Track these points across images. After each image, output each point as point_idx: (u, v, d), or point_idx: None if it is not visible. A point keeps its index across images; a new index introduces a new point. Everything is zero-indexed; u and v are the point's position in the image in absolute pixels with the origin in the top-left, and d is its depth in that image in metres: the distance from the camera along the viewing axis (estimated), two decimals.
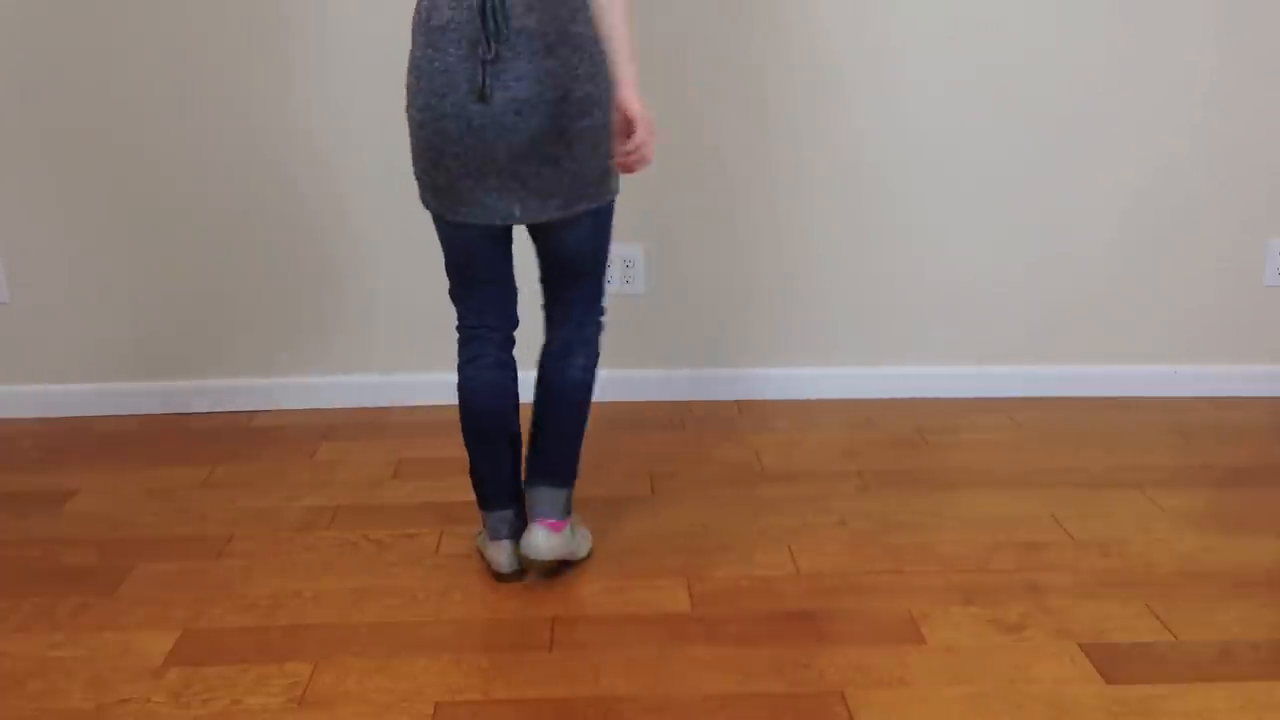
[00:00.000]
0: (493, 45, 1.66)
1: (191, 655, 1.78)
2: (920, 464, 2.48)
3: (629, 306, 2.78)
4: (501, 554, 1.97)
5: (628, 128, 1.83)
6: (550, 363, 1.95)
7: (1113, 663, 1.74)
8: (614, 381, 2.81)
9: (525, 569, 1.99)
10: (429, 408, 2.81)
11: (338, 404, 2.83)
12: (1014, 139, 2.70)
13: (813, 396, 2.87)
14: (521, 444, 1.99)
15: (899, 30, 2.62)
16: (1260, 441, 2.60)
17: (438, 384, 2.82)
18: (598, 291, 1.96)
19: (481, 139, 1.70)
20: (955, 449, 2.56)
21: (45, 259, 2.69)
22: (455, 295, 1.94)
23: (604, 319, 1.99)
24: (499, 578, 2.00)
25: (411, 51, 1.76)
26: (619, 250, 2.71)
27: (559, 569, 2.01)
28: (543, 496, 1.95)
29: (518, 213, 1.78)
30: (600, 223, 1.87)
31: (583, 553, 2.06)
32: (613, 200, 1.88)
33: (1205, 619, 1.86)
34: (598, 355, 1.98)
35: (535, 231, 1.88)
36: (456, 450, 2.54)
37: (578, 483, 2.03)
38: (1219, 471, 2.44)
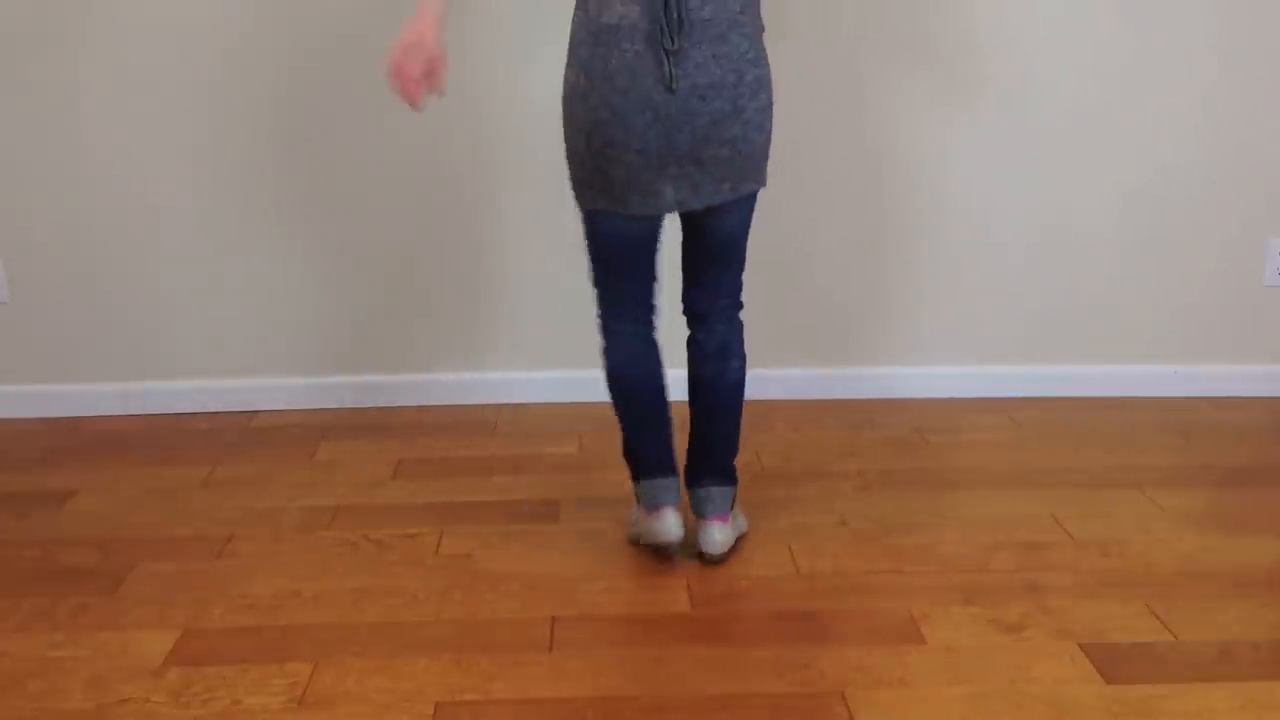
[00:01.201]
0: (675, 38, 1.72)
1: (191, 655, 1.78)
2: (920, 464, 2.48)
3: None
4: (664, 521, 1.98)
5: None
6: (707, 365, 2.01)
7: (1113, 663, 1.74)
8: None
9: (704, 559, 2.04)
10: (429, 408, 2.82)
11: (338, 404, 2.83)
12: (1014, 139, 2.70)
13: (813, 396, 2.87)
14: (672, 413, 2.03)
15: (898, 30, 2.62)
16: (1260, 441, 2.60)
17: (438, 384, 2.82)
18: (740, 282, 2.02)
19: (668, 127, 1.76)
20: (955, 449, 2.56)
21: (45, 259, 2.69)
22: (602, 285, 1.98)
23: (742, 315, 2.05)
24: (663, 549, 2.01)
25: (575, 53, 1.80)
26: None
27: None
28: (714, 496, 2.03)
29: (694, 199, 1.83)
30: (751, 206, 1.93)
31: (745, 528, 2.15)
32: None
33: (1205, 619, 1.86)
34: (745, 354, 2.04)
35: (696, 218, 1.91)
36: (456, 450, 2.56)
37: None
38: (1219, 471, 2.44)
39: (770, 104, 1.84)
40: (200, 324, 2.76)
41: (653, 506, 2.01)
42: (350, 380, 2.82)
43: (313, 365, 2.81)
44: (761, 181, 1.90)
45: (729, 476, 2.05)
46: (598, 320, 2.01)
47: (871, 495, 2.32)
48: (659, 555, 2.05)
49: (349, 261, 2.74)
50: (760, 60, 1.81)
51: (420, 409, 2.81)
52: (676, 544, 2.01)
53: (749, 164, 1.84)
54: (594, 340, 2.75)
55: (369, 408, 2.82)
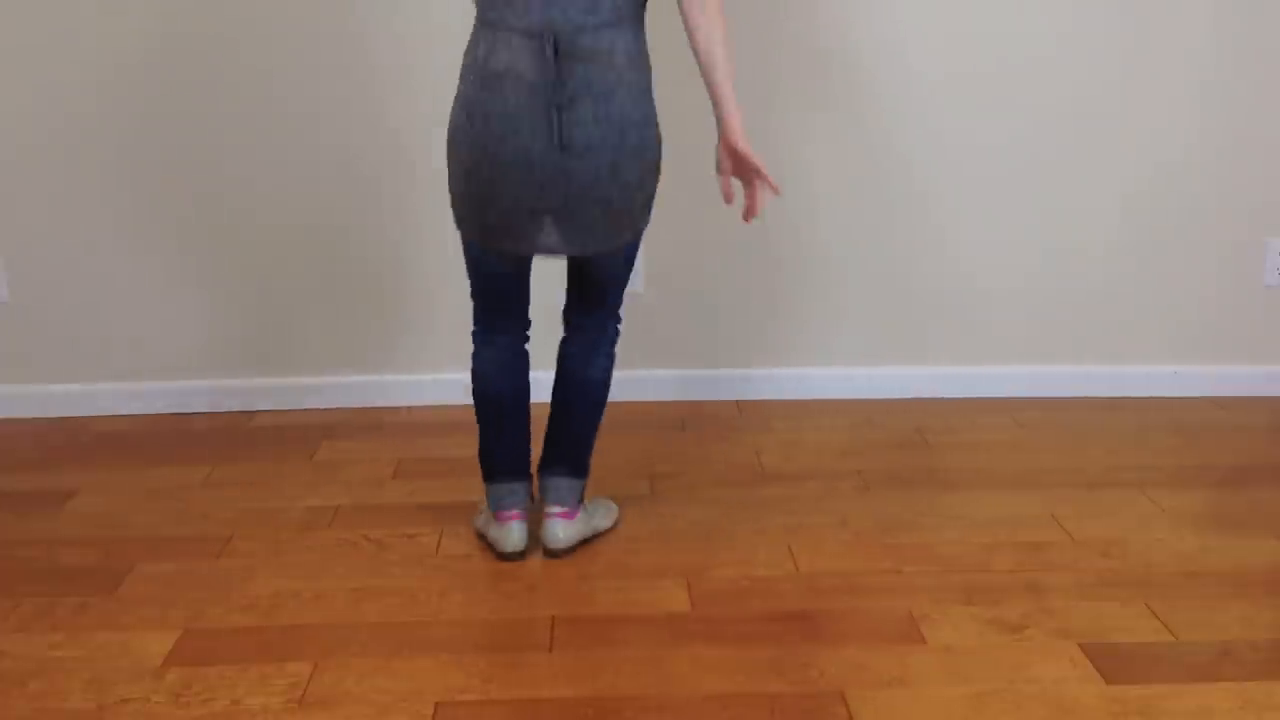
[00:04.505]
0: (562, 93, 1.71)
1: (191, 655, 1.78)
2: (920, 464, 2.48)
3: (629, 306, 2.78)
4: (508, 533, 2.03)
5: (741, 170, 1.85)
6: (571, 362, 2.04)
7: (1113, 663, 1.74)
8: (614, 381, 2.81)
9: (546, 553, 2.07)
10: (429, 408, 2.82)
11: (338, 404, 2.83)
12: (1014, 139, 2.70)
13: (813, 396, 2.87)
14: (530, 421, 2.06)
15: (898, 31, 2.62)
16: (1260, 441, 2.60)
17: (438, 384, 2.82)
18: (618, 302, 2.04)
19: (542, 181, 1.76)
20: (955, 449, 2.56)
21: (45, 259, 2.69)
22: (477, 300, 2.00)
23: (621, 325, 2.08)
24: (502, 557, 2.05)
25: (462, 90, 1.79)
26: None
27: (577, 548, 2.08)
28: (559, 486, 2.05)
29: (564, 247, 1.84)
30: (632, 249, 1.95)
31: (605, 526, 2.15)
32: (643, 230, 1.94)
33: (1205, 619, 1.86)
34: (614, 357, 2.06)
35: (574, 258, 1.93)
36: (456, 450, 2.55)
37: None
38: (1219, 471, 2.44)
39: (656, 162, 1.82)
40: (200, 324, 2.75)
41: (499, 511, 2.04)
42: (350, 380, 2.82)
43: (313, 365, 2.81)
44: (638, 233, 1.89)
45: (578, 469, 2.06)
46: (472, 327, 2.04)
47: (871, 495, 2.32)
48: (502, 559, 2.06)
49: (349, 261, 2.74)
50: (647, 120, 1.78)
51: (420, 409, 2.82)
52: (517, 555, 2.04)
53: (623, 220, 1.83)
54: None
55: (369, 408, 2.83)
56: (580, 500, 2.08)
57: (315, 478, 2.43)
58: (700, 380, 2.85)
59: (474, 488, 2.36)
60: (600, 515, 2.16)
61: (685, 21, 1.78)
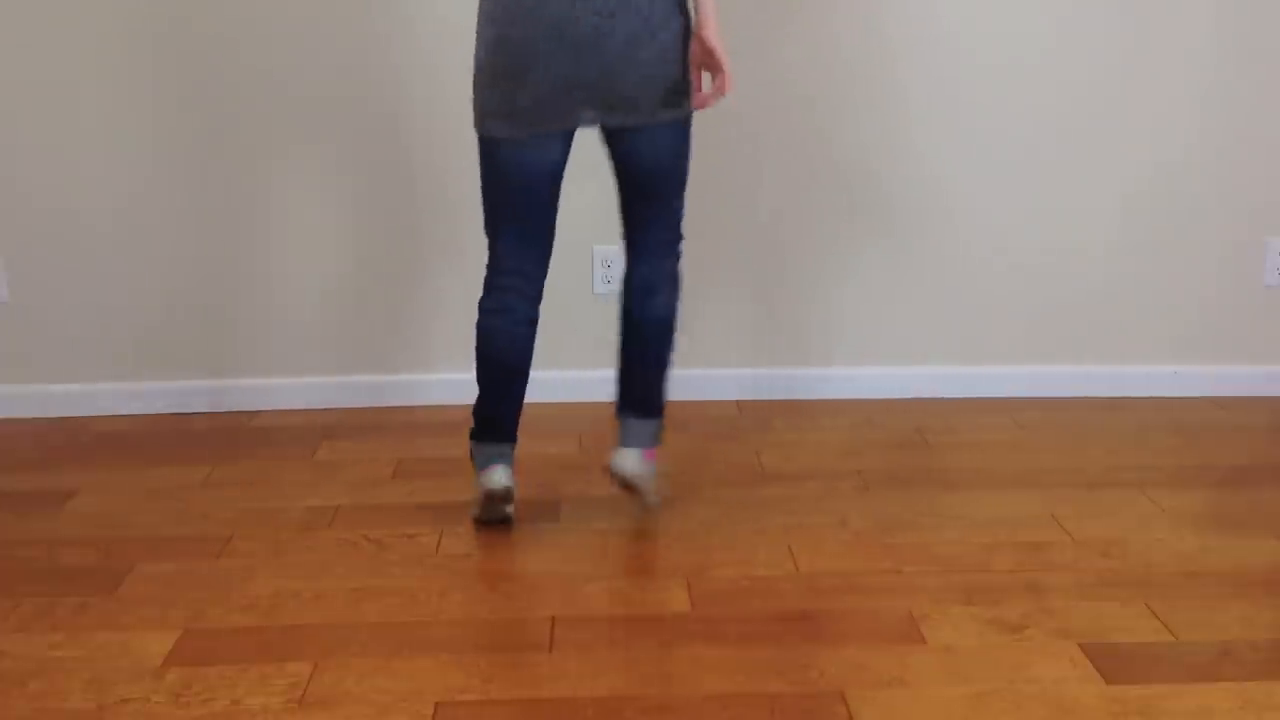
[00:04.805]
0: None
1: (191, 655, 1.77)
2: (920, 464, 2.48)
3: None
4: (495, 472, 2.03)
5: (708, 62, 1.91)
6: (635, 299, 2.04)
7: (1113, 663, 1.73)
8: (611, 382, 2.81)
9: (617, 481, 2.10)
10: (429, 408, 2.81)
11: (338, 404, 2.83)
12: (1014, 139, 2.70)
13: (812, 396, 2.87)
14: (527, 387, 2.08)
15: (898, 33, 2.62)
16: (1260, 441, 2.60)
17: (438, 384, 2.82)
18: (677, 219, 2.03)
19: (578, 51, 1.76)
20: (955, 449, 2.56)
21: (45, 259, 2.69)
22: (495, 232, 1.99)
23: (682, 246, 2.06)
24: (492, 497, 2.05)
25: None
26: (606, 251, 2.71)
27: (632, 492, 2.13)
28: (634, 427, 2.10)
29: (605, 117, 1.84)
30: (680, 136, 1.94)
31: (652, 498, 2.18)
32: (690, 116, 1.95)
33: (1205, 619, 1.86)
34: (680, 286, 2.06)
35: (617, 144, 1.92)
36: (457, 450, 2.55)
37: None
38: (1219, 471, 2.44)
39: (686, 32, 1.85)
40: (200, 324, 2.75)
41: (486, 467, 2.05)
42: (350, 380, 2.82)
43: (313, 365, 2.81)
44: (683, 109, 1.91)
45: (651, 410, 2.08)
46: (485, 277, 2.03)
47: (871, 495, 2.32)
48: (491, 517, 2.08)
49: (349, 261, 2.74)
50: None
51: (420, 409, 2.81)
52: (503, 490, 2.04)
53: (663, 90, 1.84)
54: (592, 341, 2.77)
55: (369, 408, 2.82)
56: (657, 439, 2.10)
57: (315, 478, 2.43)
58: (700, 380, 2.85)
59: (474, 487, 2.35)
60: (657, 482, 2.17)
61: None
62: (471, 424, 2.10)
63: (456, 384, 2.82)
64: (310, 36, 2.57)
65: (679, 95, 1.89)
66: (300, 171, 2.66)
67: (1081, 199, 2.75)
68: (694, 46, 1.91)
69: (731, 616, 1.87)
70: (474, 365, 2.05)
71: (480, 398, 2.06)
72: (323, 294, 2.75)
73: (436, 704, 1.65)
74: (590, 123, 1.86)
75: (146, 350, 2.77)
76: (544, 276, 2.02)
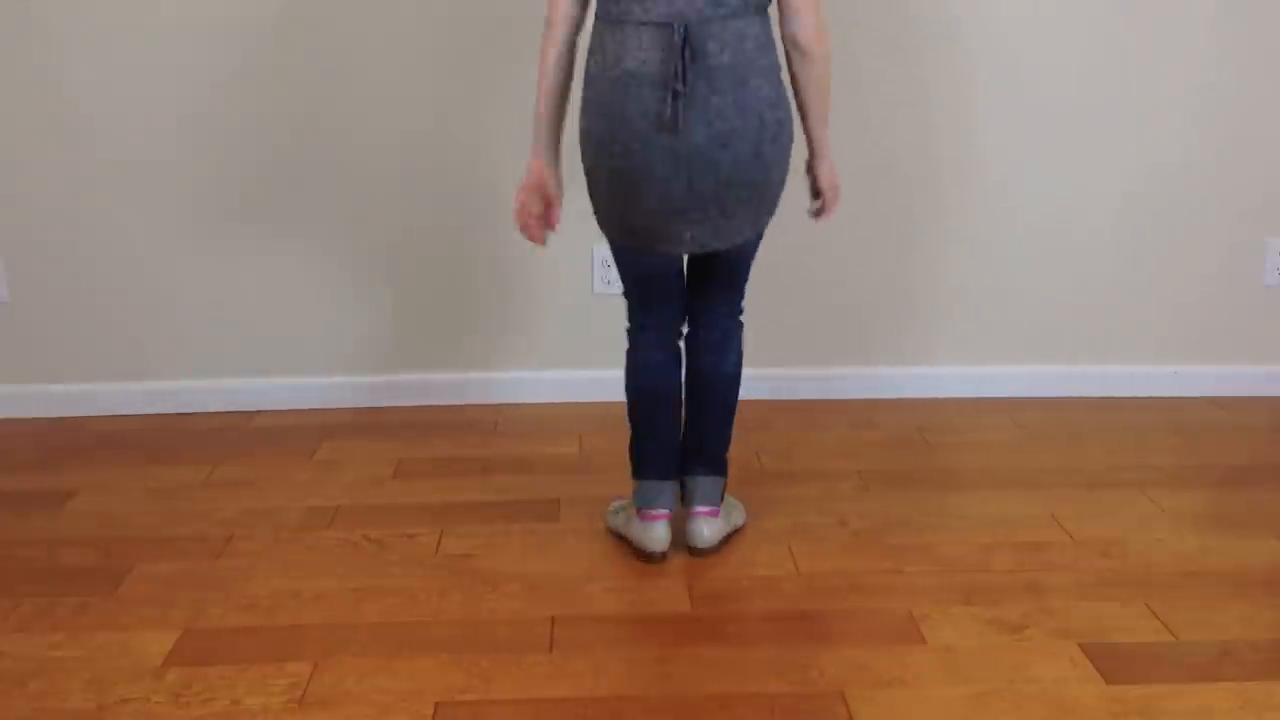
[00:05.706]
0: (685, 81, 1.71)
1: (191, 655, 1.78)
2: (920, 464, 2.48)
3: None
4: (653, 532, 2.03)
5: (821, 192, 1.96)
6: (704, 358, 2.04)
7: (1113, 663, 1.74)
8: (612, 382, 2.81)
9: (692, 552, 2.07)
10: (429, 408, 2.82)
11: (338, 404, 2.83)
12: (1014, 139, 2.70)
13: (814, 396, 2.87)
14: (682, 421, 2.07)
15: (897, 32, 2.62)
16: (1260, 441, 2.60)
17: (438, 384, 2.82)
18: (743, 291, 2.05)
19: (691, 175, 1.75)
20: (955, 449, 2.56)
21: (45, 259, 2.69)
22: (630, 298, 2.01)
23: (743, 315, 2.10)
24: (647, 557, 2.05)
25: (593, 101, 1.79)
26: (606, 252, 2.70)
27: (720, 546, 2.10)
28: (703, 485, 2.06)
29: (715, 241, 1.85)
30: (761, 233, 1.95)
31: (740, 522, 2.16)
32: None
33: (1205, 619, 1.86)
34: (743, 347, 2.07)
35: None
36: (456, 450, 2.56)
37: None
38: (1219, 471, 2.44)
39: (790, 141, 1.84)
40: (200, 324, 2.76)
41: (646, 509, 2.03)
42: (350, 380, 2.82)
43: (313, 365, 2.81)
44: (773, 213, 1.92)
45: (719, 467, 2.07)
46: (626, 325, 2.04)
47: (871, 495, 2.32)
48: (645, 559, 2.06)
49: (350, 262, 2.74)
50: (780, 102, 1.79)
51: (420, 409, 2.81)
52: (661, 556, 2.04)
53: (767, 202, 1.85)
54: (592, 341, 2.77)
55: (369, 408, 2.83)
56: (722, 497, 2.09)
57: (315, 478, 2.43)
58: None
59: (474, 487, 2.36)
60: (735, 513, 2.16)
61: (789, 63, 1.82)
62: (631, 465, 2.09)
63: (456, 384, 2.82)
64: (310, 39, 2.57)
65: (775, 202, 1.89)
66: (301, 173, 2.66)
67: (1081, 199, 2.75)
68: (811, 179, 1.96)
69: (731, 616, 1.87)
70: (628, 415, 2.06)
71: (634, 438, 2.06)
72: (323, 294, 2.75)
73: (436, 704, 1.65)
74: (701, 249, 1.85)
75: (146, 350, 2.77)
76: (683, 321, 2.04)
